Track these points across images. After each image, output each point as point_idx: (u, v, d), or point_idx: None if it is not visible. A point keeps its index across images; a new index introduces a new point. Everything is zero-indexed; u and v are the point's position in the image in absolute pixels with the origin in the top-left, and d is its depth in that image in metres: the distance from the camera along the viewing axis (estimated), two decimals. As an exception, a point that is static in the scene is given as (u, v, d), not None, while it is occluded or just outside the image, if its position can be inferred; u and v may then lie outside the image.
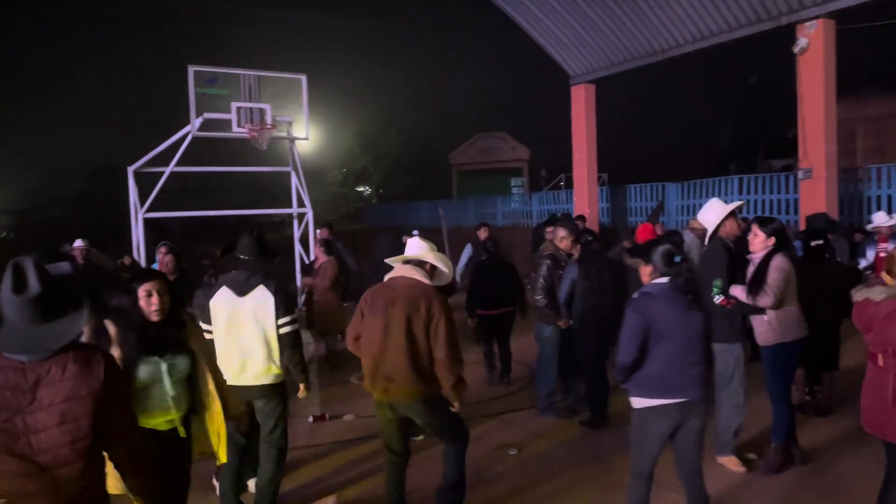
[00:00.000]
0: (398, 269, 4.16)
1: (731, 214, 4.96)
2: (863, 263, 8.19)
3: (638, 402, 3.67)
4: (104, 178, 32.56)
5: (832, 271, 5.70)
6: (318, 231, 11.42)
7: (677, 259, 3.62)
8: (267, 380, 4.23)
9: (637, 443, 3.73)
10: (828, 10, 11.00)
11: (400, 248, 4.63)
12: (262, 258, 4.31)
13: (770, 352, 4.76)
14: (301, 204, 12.69)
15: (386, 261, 4.34)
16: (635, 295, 3.71)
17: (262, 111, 11.28)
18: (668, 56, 14.15)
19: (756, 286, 4.60)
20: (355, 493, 4.86)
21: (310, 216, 12.38)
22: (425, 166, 38.69)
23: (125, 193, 11.56)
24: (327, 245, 8.93)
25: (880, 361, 3.46)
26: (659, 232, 9.58)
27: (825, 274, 5.48)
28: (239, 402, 4.16)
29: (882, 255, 8.12)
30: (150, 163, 11.45)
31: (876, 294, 3.45)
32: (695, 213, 16.91)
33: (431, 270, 4.17)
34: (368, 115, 37.73)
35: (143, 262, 10.65)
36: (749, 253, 4.85)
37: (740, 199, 15.84)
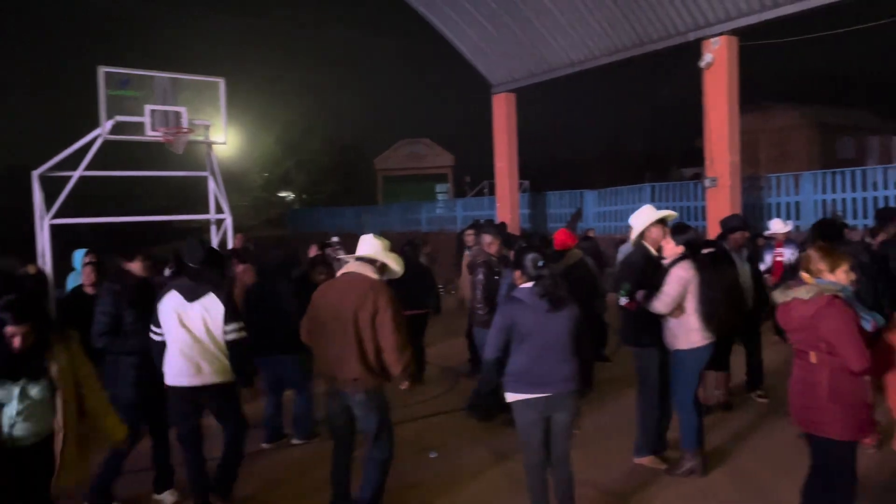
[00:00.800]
0: (349, 265, 4.37)
1: (659, 222, 5.03)
2: (762, 268, 8.69)
3: (510, 397, 3.98)
4: (11, 183, 30.74)
5: (730, 276, 6.02)
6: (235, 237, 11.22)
7: (541, 264, 3.95)
8: (217, 380, 4.40)
9: (519, 435, 4.06)
10: (730, 28, 11.68)
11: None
12: (209, 266, 4.47)
13: (673, 357, 4.88)
14: (219, 210, 12.38)
15: (339, 258, 4.53)
16: (507, 296, 4.14)
17: (177, 114, 10.94)
18: (585, 68, 14.64)
19: (655, 292, 4.75)
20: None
21: (228, 222, 12.08)
22: (350, 171, 38.43)
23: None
24: (237, 253, 8.92)
25: (813, 359, 3.55)
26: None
27: (724, 279, 5.74)
28: (191, 403, 4.42)
29: (778, 259, 8.66)
30: (58, 167, 10.91)
31: (804, 293, 3.55)
32: (613, 220, 17.58)
33: (381, 268, 4.37)
34: (291, 120, 37.19)
35: (49, 270, 10.14)
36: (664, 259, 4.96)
37: (652, 206, 16.54)
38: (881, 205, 12.53)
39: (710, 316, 4.75)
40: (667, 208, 15.88)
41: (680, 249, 4.80)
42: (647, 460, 5.10)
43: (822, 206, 13.79)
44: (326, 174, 37.80)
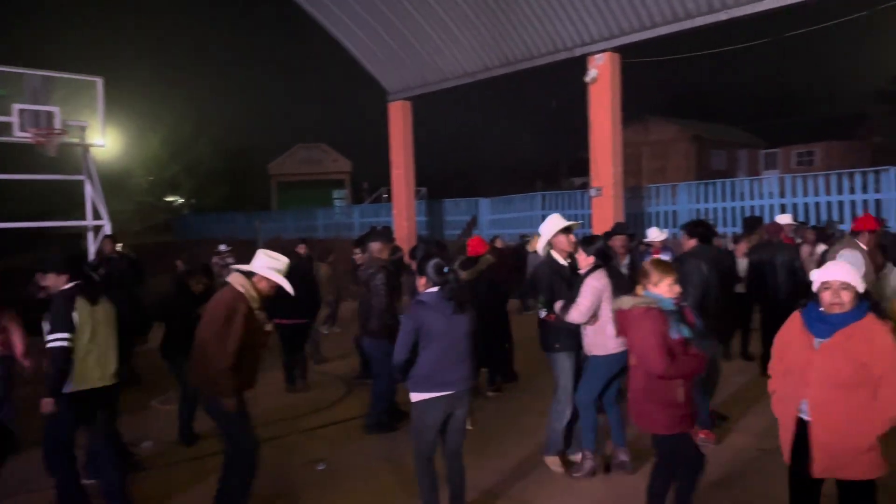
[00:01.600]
0: (231, 276, 4.35)
1: (565, 230, 5.09)
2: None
3: (415, 397, 4.09)
4: None
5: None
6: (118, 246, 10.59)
7: (446, 270, 4.13)
8: (115, 380, 4.57)
9: (417, 433, 4.15)
10: (613, 45, 12.32)
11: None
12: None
13: (587, 362, 5.00)
14: (97, 215, 11.68)
15: (234, 268, 4.46)
16: (412, 302, 4.20)
17: (49, 114, 10.25)
18: (478, 78, 14.98)
19: (570, 302, 4.84)
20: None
21: (107, 229, 11.41)
22: (243, 176, 37.26)
23: None
24: (105, 260, 8.56)
25: (632, 360, 3.95)
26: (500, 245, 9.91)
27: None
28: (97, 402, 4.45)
29: (656, 265, 9.19)
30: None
31: (626, 303, 3.91)
32: (505, 227, 18.06)
33: (261, 281, 4.31)
34: (178, 122, 35.58)
35: None
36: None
37: (543, 214, 17.12)
38: (748, 213, 13.60)
39: None
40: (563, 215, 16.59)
41: (591, 260, 4.89)
42: (552, 460, 5.19)
43: (697, 215, 14.79)
44: (216, 178, 36.43)
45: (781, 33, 11.87)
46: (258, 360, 4.42)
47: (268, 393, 7.37)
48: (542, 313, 5.06)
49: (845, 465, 3.22)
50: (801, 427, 3.34)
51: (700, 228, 5.99)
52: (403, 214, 17.34)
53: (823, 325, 3.26)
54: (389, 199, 21.13)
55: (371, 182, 30.90)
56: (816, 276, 3.36)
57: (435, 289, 4.10)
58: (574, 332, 4.98)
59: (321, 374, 8.58)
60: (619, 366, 4.81)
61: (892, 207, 12.27)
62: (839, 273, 3.26)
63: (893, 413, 3.11)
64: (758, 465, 5.10)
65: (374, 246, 6.84)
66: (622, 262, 6.82)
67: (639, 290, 3.93)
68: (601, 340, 4.80)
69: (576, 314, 4.75)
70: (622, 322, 3.99)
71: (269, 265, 4.32)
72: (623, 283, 4.82)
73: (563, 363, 5.08)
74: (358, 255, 8.01)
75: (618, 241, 6.78)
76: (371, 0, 14.79)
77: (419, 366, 4.03)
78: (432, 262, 4.15)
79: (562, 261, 5.11)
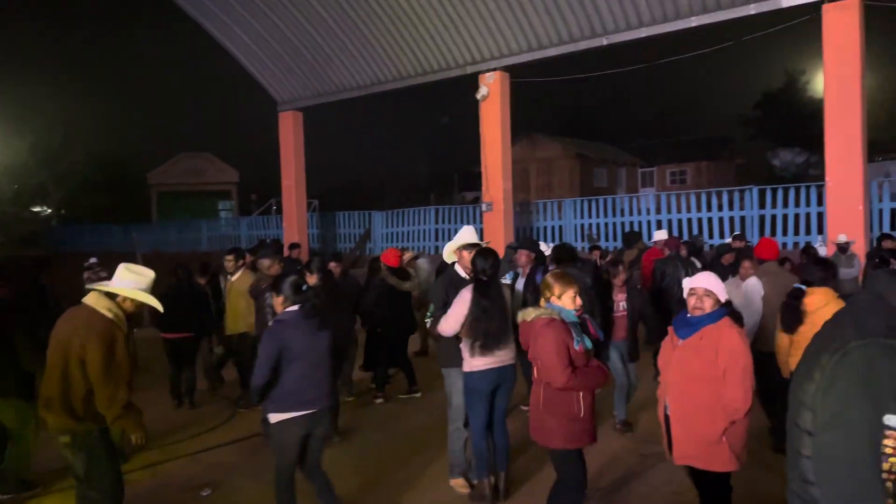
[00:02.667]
0: (87, 296, 3.92)
1: (470, 246, 4.97)
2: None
3: (275, 417, 4.01)
4: None
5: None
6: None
7: (304, 288, 4.11)
8: None
9: (279, 452, 4.08)
10: (503, 64, 12.69)
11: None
12: None
13: (463, 379, 4.82)
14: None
15: (92, 287, 4.01)
16: (271, 322, 4.12)
17: None
18: (371, 92, 14.96)
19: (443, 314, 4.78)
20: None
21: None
22: (119, 186, 35.11)
23: None
24: None
25: (535, 374, 3.93)
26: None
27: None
28: None
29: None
30: None
31: (529, 315, 3.93)
32: (398, 241, 18.08)
33: (125, 301, 3.89)
34: (47, 127, 33.07)
35: None
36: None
37: (437, 228, 17.29)
38: (628, 229, 14.36)
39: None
40: (449, 230, 16.78)
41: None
42: (456, 482, 5.04)
43: (581, 230, 15.44)
44: (90, 188, 34.12)
45: (657, 60, 12.66)
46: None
47: (152, 414, 6.96)
48: (428, 323, 5.06)
49: (696, 454, 3.57)
50: (668, 421, 3.70)
51: (561, 253, 6.32)
52: (294, 227, 16.95)
53: (686, 327, 3.65)
54: (279, 212, 20.62)
55: (260, 193, 30.02)
56: (685, 284, 3.75)
57: (294, 307, 4.06)
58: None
59: (210, 393, 8.22)
60: (488, 384, 4.63)
61: (754, 224, 13.34)
62: (704, 281, 3.66)
63: (733, 407, 3.44)
64: (640, 469, 5.34)
65: (265, 262, 6.66)
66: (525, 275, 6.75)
67: (542, 301, 3.98)
68: (468, 357, 4.65)
69: (444, 325, 4.70)
70: (525, 334, 3.98)
71: (132, 283, 3.92)
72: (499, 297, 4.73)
73: (455, 380, 4.91)
74: (229, 262, 7.77)
75: (522, 256, 6.69)
76: (259, 7, 14.45)
77: (281, 386, 3.95)
78: (289, 280, 4.10)
79: (463, 274, 4.99)
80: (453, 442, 5.05)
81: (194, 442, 6.48)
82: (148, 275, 3.98)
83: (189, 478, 5.52)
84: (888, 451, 1.21)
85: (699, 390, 3.52)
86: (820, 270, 4.95)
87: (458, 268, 5.10)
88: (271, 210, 24.91)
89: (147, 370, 7.84)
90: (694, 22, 10.43)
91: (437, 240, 17.20)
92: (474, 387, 4.67)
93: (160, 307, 4.03)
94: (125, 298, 3.88)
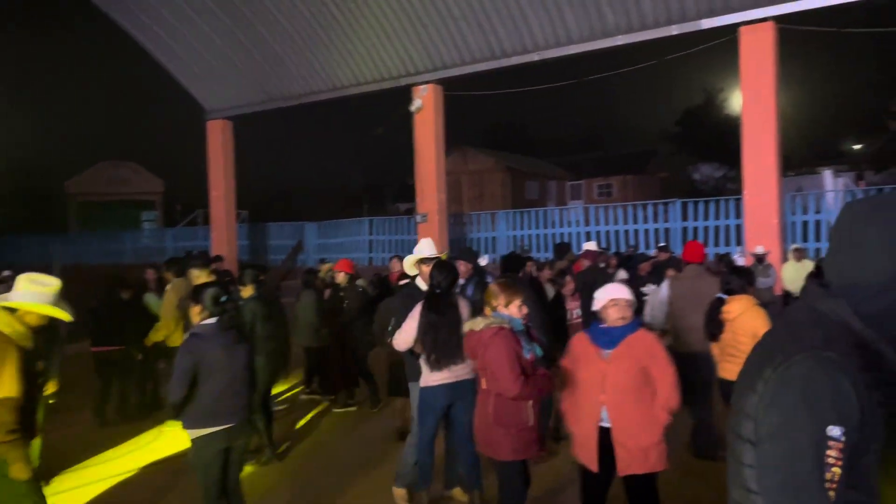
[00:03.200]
0: None
1: (428, 259, 4.95)
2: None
3: (193, 433, 3.90)
4: None
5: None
6: None
7: (223, 299, 3.97)
8: None
9: (199, 470, 3.96)
10: (437, 77, 12.81)
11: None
12: None
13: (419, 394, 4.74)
14: None
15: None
16: (186, 335, 3.98)
17: None
18: (305, 102, 14.80)
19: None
20: None
21: None
22: (33, 195, 33.38)
23: None
24: None
25: (483, 384, 3.87)
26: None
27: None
28: None
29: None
30: None
31: (478, 324, 3.87)
32: (333, 252, 17.87)
33: (27, 314, 3.63)
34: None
35: None
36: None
37: (371, 239, 17.21)
38: (559, 240, 14.68)
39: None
40: (384, 241, 16.74)
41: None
42: (399, 492, 4.97)
43: (514, 241, 15.69)
44: (3, 198, 32.32)
45: (586, 76, 13.06)
46: (37, 405, 3.85)
47: (79, 432, 6.70)
48: (388, 339, 4.99)
49: (640, 460, 3.61)
50: (604, 434, 3.65)
51: (509, 262, 6.42)
52: (224, 238, 16.51)
53: (608, 337, 3.69)
54: (206, 222, 20.04)
55: (185, 204, 29.13)
56: (602, 295, 3.76)
57: (212, 320, 3.92)
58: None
59: (141, 409, 7.88)
60: (440, 399, 4.55)
61: (678, 236, 13.88)
62: (623, 292, 3.75)
63: (670, 405, 3.59)
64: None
65: (193, 272, 6.48)
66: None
67: (487, 311, 3.93)
68: (425, 371, 4.56)
69: (398, 339, 4.67)
70: (473, 344, 3.88)
71: (34, 295, 3.67)
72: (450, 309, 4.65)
73: (416, 394, 4.81)
74: (149, 273, 7.63)
75: (461, 266, 6.76)
76: (185, 13, 14.10)
77: (198, 400, 3.83)
78: (210, 290, 3.95)
79: (423, 287, 4.93)
80: (407, 454, 4.97)
81: (122, 462, 6.20)
82: (51, 285, 3.73)
83: (118, 500, 5.28)
84: (830, 461, 1.28)
85: (637, 397, 3.59)
86: (738, 279, 5.17)
87: (419, 281, 5.05)
88: (197, 221, 24.21)
89: (75, 387, 7.46)
90: (620, 40, 10.82)
91: (371, 251, 17.11)
92: (426, 401, 4.62)
93: (67, 318, 3.77)
94: (27, 312, 3.64)
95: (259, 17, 13.56)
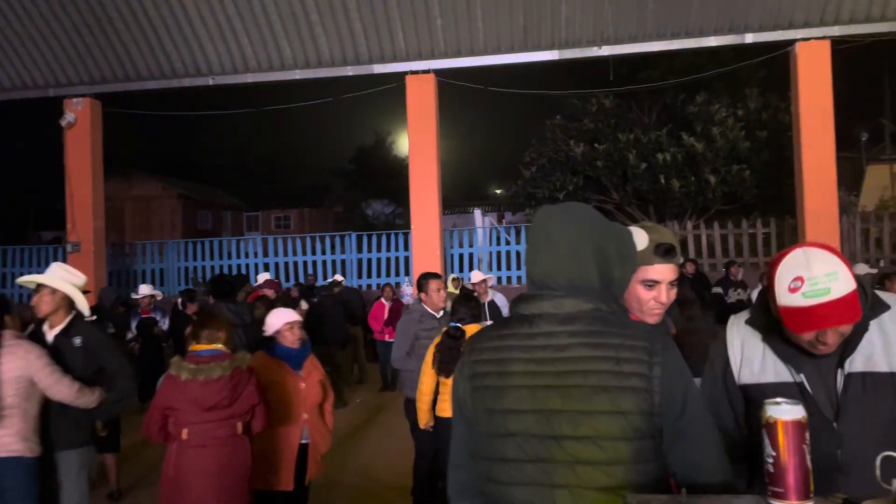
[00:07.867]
0: None
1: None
2: (129, 335, 8.63)
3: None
4: None
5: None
6: None
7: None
8: None
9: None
10: (95, 91, 11.48)
11: None
12: None
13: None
14: None
15: None
16: None
17: None
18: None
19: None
20: None
21: None
22: None
23: None
24: None
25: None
26: None
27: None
28: None
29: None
30: None
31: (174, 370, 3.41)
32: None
33: None
34: None
35: None
36: None
37: (4, 271, 14.59)
38: (234, 271, 14.16)
39: None
40: (25, 272, 14.33)
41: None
42: None
43: (185, 273, 14.71)
44: None
45: (264, 106, 12.97)
46: None
47: None
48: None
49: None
50: (302, 450, 3.88)
51: (219, 287, 6.21)
52: None
53: (296, 358, 3.95)
54: None
55: None
56: (276, 320, 3.94)
57: None
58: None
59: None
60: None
61: (353, 266, 14.49)
62: (294, 315, 4.01)
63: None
64: None
65: None
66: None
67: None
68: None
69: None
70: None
71: None
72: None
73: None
74: None
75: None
76: None
77: None
78: None
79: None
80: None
81: None
82: None
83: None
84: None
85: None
86: (470, 308, 4.59)
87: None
88: None
89: None
90: (298, 74, 11.00)
91: (4, 286, 14.48)
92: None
93: None
94: None
95: None
